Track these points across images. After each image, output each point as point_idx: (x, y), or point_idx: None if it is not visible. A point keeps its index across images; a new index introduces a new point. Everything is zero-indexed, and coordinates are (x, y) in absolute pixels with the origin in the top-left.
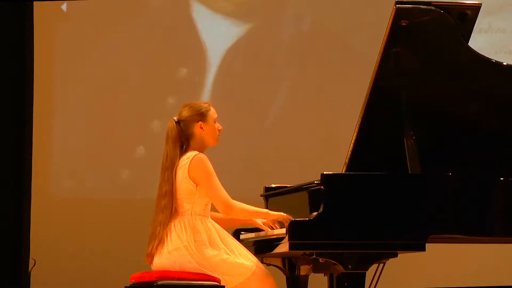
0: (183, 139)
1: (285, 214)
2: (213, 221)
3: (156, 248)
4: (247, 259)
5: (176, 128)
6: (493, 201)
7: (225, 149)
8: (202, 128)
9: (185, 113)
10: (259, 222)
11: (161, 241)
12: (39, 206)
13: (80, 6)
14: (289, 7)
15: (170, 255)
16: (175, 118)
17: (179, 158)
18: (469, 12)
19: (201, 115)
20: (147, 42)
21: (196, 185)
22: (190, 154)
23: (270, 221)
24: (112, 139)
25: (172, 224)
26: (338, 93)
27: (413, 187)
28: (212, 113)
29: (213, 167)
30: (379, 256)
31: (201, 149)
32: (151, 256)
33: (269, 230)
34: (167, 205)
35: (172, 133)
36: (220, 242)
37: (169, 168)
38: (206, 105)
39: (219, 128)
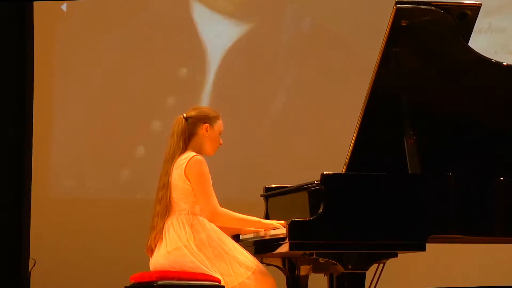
0: (186, 136)
1: (281, 222)
2: (211, 223)
3: (155, 239)
4: (246, 259)
5: (183, 123)
6: (493, 201)
7: (225, 149)
8: (207, 131)
9: (195, 112)
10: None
11: (159, 234)
12: (39, 206)
13: (80, 6)
14: (289, 7)
15: (170, 255)
16: (184, 114)
17: (178, 156)
18: (469, 12)
19: (209, 119)
20: (147, 42)
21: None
22: (188, 154)
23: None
24: (112, 139)
25: (170, 220)
26: (338, 93)
27: (413, 187)
28: (220, 124)
29: (213, 167)
30: (379, 256)
31: (198, 152)
32: (150, 249)
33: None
34: (164, 196)
35: (178, 128)
36: (219, 242)
37: (169, 161)
38: (216, 114)
39: (220, 142)
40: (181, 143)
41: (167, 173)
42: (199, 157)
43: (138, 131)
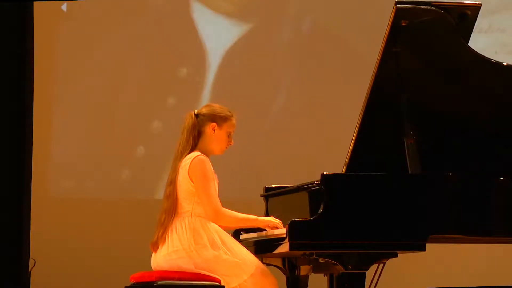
0: (195, 134)
1: (276, 220)
2: (213, 223)
3: (161, 237)
4: (247, 259)
5: (193, 120)
6: (493, 201)
7: None
8: (214, 130)
9: (206, 110)
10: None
11: (164, 232)
12: (39, 206)
13: (80, 6)
14: (289, 7)
15: (170, 257)
16: (195, 110)
17: (187, 154)
18: (469, 12)
19: (218, 119)
20: (147, 42)
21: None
22: (193, 154)
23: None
24: (112, 139)
25: (174, 224)
26: (338, 93)
27: (413, 187)
28: (230, 125)
29: (214, 167)
30: (379, 256)
31: (206, 152)
32: (155, 245)
33: (269, 230)
34: (171, 193)
35: (188, 124)
36: (221, 243)
37: (178, 158)
38: (229, 113)
39: (230, 143)
40: (190, 141)
41: (175, 170)
42: (202, 157)
43: (138, 131)
